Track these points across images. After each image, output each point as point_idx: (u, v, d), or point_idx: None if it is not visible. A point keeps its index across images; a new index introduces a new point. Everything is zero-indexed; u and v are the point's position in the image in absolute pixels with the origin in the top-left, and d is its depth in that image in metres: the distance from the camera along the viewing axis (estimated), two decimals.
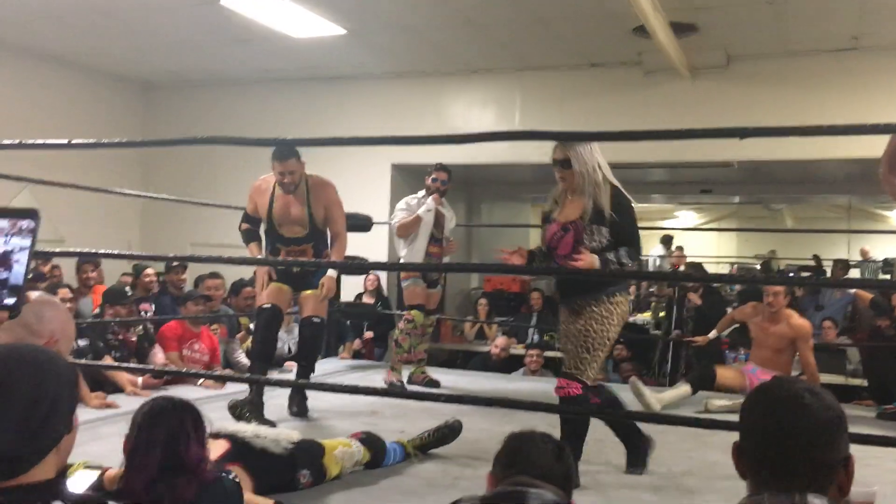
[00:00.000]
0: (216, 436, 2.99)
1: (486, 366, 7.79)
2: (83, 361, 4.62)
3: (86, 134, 8.65)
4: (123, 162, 9.45)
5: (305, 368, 4.60)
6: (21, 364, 1.20)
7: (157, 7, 7.00)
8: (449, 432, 3.82)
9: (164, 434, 2.15)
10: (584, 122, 7.93)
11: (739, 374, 5.59)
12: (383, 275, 8.80)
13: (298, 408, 4.50)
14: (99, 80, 9.48)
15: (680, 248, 11.82)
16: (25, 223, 1.06)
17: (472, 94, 8.80)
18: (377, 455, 3.47)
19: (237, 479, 2.37)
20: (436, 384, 5.73)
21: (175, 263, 6.76)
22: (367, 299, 8.46)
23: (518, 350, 8.33)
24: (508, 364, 7.86)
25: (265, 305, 4.52)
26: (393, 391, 4.95)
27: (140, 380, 5.12)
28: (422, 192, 5.76)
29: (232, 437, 2.98)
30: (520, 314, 9.59)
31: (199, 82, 9.70)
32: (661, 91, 7.94)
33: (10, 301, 1.03)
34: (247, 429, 3.08)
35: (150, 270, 7.05)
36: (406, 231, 5.54)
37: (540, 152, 8.13)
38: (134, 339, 5.55)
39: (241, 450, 2.93)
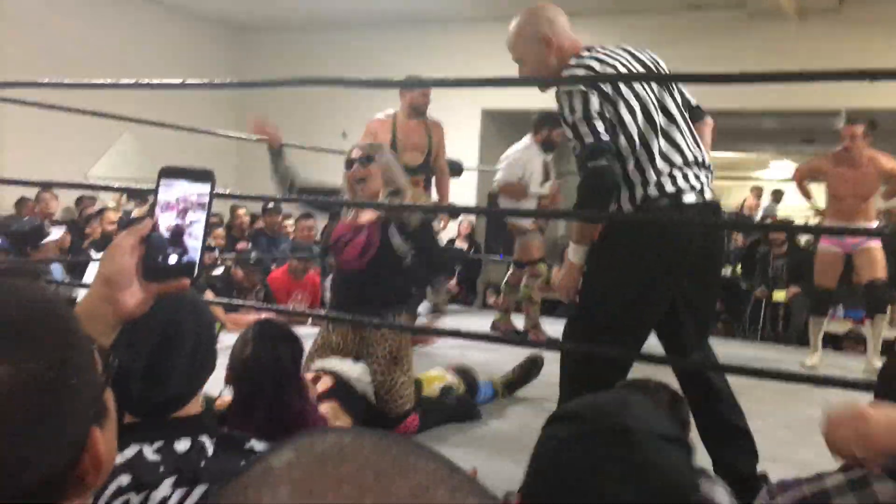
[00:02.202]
0: (322, 371, 3.08)
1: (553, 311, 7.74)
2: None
3: (181, 75, 8.91)
4: (218, 104, 9.67)
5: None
6: (185, 308, 1.28)
7: None
8: (532, 367, 3.83)
9: (265, 388, 2.08)
10: (683, 67, 7.60)
11: None
12: (474, 220, 8.81)
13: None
14: (195, 23, 9.67)
15: (758, 190, 10.99)
16: (201, 189, 1.00)
17: None
18: (471, 389, 3.52)
19: None
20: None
21: (270, 205, 6.91)
22: (459, 244, 8.50)
23: None
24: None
25: None
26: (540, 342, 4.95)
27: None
28: (525, 142, 5.47)
29: (336, 376, 3.06)
30: None
31: (291, 26, 9.78)
32: (767, 35, 7.58)
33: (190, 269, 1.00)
34: (352, 369, 3.13)
35: (241, 211, 7.23)
36: (510, 195, 5.37)
37: None
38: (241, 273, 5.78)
39: (342, 389, 3.01)
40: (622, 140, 2.30)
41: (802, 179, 5.42)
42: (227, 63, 10.13)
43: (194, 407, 1.31)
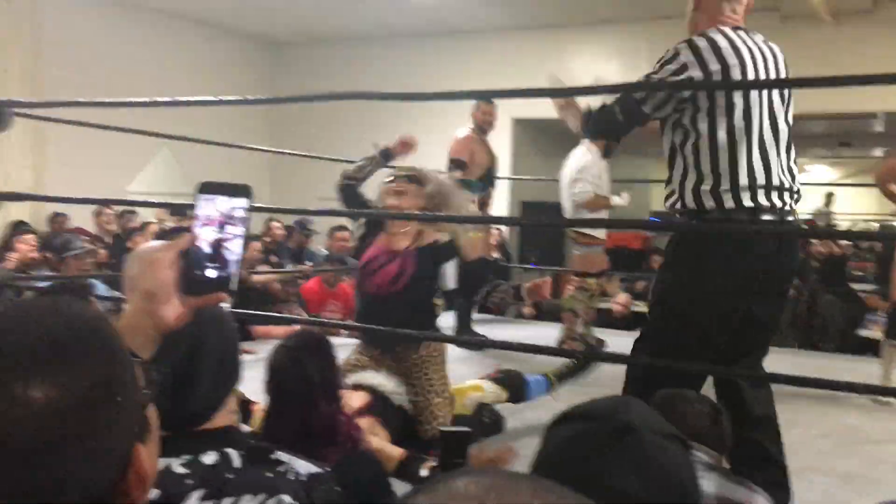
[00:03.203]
0: (358, 387, 3.08)
1: (608, 323, 7.69)
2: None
3: (216, 90, 9.00)
4: (252, 118, 9.80)
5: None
6: (211, 322, 1.29)
7: None
8: (586, 362, 3.76)
9: (295, 397, 2.10)
10: None
11: None
12: (504, 229, 8.81)
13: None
14: (229, 39, 9.82)
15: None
16: (238, 203, 1.01)
17: (597, 45, 8.59)
18: (517, 392, 3.41)
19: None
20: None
21: (309, 223, 7.02)
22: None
23: (640, 308, 8.19)
24: (631, 322, 7.75)
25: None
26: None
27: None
28: (586, 150, 5.12)
29: (372, 391, 3.05)
30: (640, 271, 9.41)
31: (323, 40, 9.89)
32: (801, 38, 7.49)
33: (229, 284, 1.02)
34: (387, 384, 3.13)
35: (275, 224, 7.31)
36: (595, 207, 4.97)
37: None
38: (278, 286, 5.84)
39: (378, 404, 3.00)
40: (704, 127, 2.23)
41: (886, 182, 5.08)
42: (260, 77, 10.26)
43: (222, 419, 1.31)
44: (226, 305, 1.13)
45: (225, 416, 1.33)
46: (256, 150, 6.53)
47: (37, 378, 0.65)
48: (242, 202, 1.02)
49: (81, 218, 7.15)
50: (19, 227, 6.48)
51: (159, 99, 3.27)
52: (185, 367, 1.25)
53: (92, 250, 4.81)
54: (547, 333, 6.23)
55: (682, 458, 0.90)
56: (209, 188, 1.03)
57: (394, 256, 3.10)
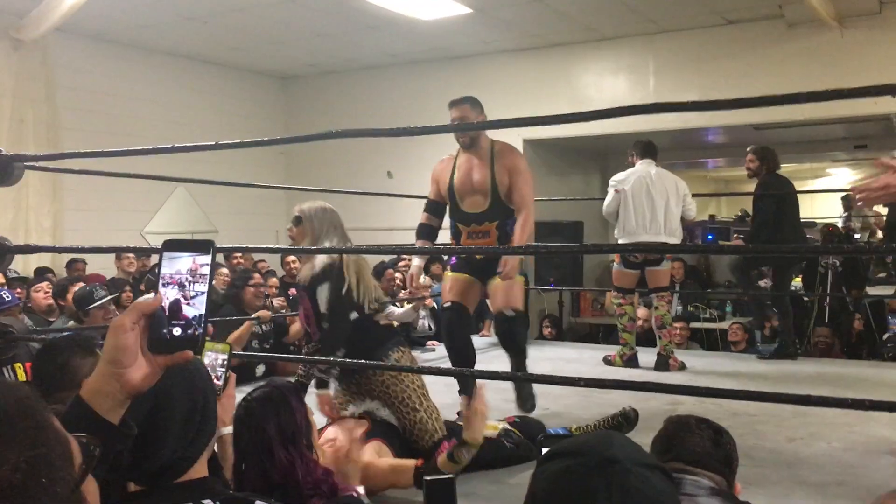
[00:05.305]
0: (361, 415, 3.14)
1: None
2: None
3: (231, 128, 9.17)
4: (268, 154, 9.90)
5: (516, 360, 3.91)
6: (177, 379, 1.27)
7: (289, 0, 7.24)
8: (623, 421, 3.44)
9: (250, 446, 2.13)
10: (724, 83, 7.59)
11: None
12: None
13: (523, 403, 3.86)
14: (241, 75, 9.94)
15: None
16: (202, 260, 1.03)
17: (604, 62, 8.60)
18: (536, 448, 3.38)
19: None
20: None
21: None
22: None
23: None
24: (651, 336, 7.69)
25: (445, 305, 4.00)
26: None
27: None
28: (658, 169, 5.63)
29: (371, 416, 3.11)
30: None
31: (332, 70, 9.98)
32: (807, 45, 7.48)
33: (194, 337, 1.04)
34: (381, 407, 3.19)
35: (290, 258, 7.37)
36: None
37: (680, 119, 7.94)
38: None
39: (380, 427, 3.05)
40: None
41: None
42: (273, 111, 10.37)
43: (199, 470, 1.32)
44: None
45: (202, 467, 1.33)
46: (270, 188, 6.58)
47: None
48: (205, 258, 1.04)
49: (100, 262, 7.23)
50: (39, 274, 6.57)
51: (176, 145, 3.31)
52: (151, 422, 1.25)
53: (113, 298, 4.87)
54: (566, 354, 6.22)
55: (666, 487, 0.96)
56: (172, 246, 1.05)
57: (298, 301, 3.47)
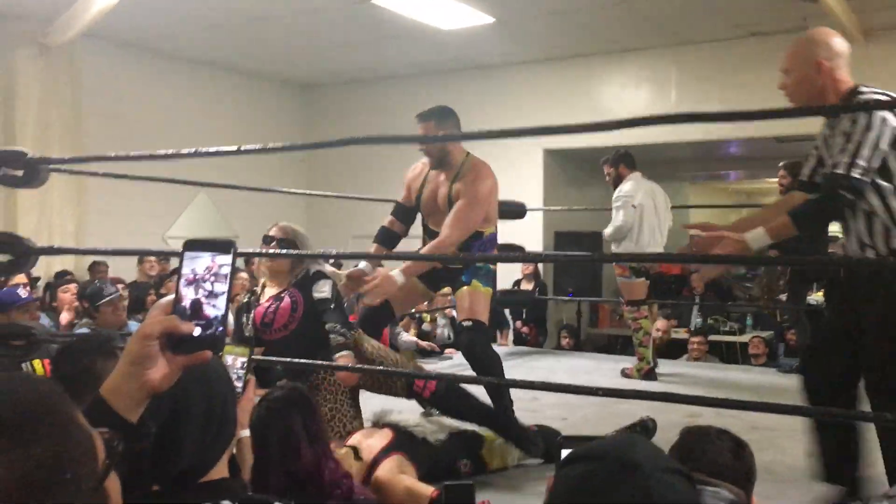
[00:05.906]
0: (379, 425, 3.12)
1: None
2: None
3: (252, 135, 9.21)
4: (288, 160, 9.96)
5: (492, 399, 3.53)
6: (196, 380, 1.26)
7: (310, 9, 7.29)
8: (642, 432, 3.41)
9: (276, 446, 2.15)
10: (746, 96, 7.53)
11: None
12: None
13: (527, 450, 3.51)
14: (264, 84, 10.02)
15: None
16: (223, 260, 1.03)
17: (626, 74, 8.59)
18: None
19: None
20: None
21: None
22: (525, 285, 8.46)
23: (680, 334, 8.09)
24: (669, 349, 7.65)
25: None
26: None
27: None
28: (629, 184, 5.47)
29: (395, 427, 3.09)
30: (681, 297, 9.31)
31: (354, 80, 10.03)
32: None
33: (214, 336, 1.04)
34: (409, 419, 3.17)
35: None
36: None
37: (700, 130, 7.90)
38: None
39: (403, 439, 3.03)
40: None
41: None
42: (295, 119, 10.44)
43: (220, 471, 1.32)
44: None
45: (223, 468, 1.33)
46: (291, 193, 6.61)
47: None
48: (226, 258, 1.03)
49: (122, 265, 7.29)
50: (61, 277, 6.63)
51: (199, 150, 3.31)
52: (169, 426, 1.25)
53: (123, 296, 4.89)
54: (584, 364, 6.19)
55: (688, 492, 0.95)
56: (194, 245, 1.05)
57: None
